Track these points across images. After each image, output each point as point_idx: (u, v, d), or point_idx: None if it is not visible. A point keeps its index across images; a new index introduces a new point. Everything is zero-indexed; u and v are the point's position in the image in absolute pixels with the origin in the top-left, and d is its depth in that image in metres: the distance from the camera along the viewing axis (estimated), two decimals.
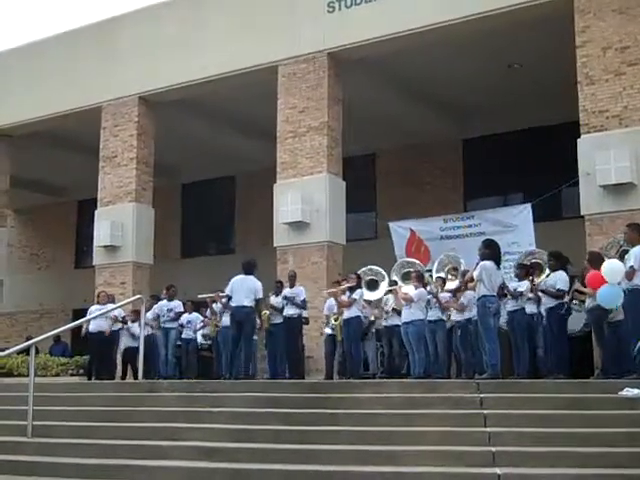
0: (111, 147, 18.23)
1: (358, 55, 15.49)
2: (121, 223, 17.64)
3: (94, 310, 14.62)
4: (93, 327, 14.63)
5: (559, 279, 10.80)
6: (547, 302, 10.86)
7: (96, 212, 18.29)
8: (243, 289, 12.13)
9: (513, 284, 11.70)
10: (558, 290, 10.72)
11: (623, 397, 8.10)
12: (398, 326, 12.79)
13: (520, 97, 16.99)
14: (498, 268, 10.59)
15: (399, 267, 14.27)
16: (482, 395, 8.47)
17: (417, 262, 14.52)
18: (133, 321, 15.24)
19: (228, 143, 20.16)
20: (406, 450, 7.33)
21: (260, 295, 12.21)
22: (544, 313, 11.07)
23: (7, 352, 11.58)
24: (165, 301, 15.06)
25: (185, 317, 15.38)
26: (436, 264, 14.10)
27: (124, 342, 15.24)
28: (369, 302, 13.56)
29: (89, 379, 15.12)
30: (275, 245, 15.56)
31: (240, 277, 12.27)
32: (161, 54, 17.64)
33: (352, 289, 12.71)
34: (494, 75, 16.46)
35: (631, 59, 12.59)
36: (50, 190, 25.04)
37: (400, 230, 16.15)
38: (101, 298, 15.09)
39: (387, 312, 13.30)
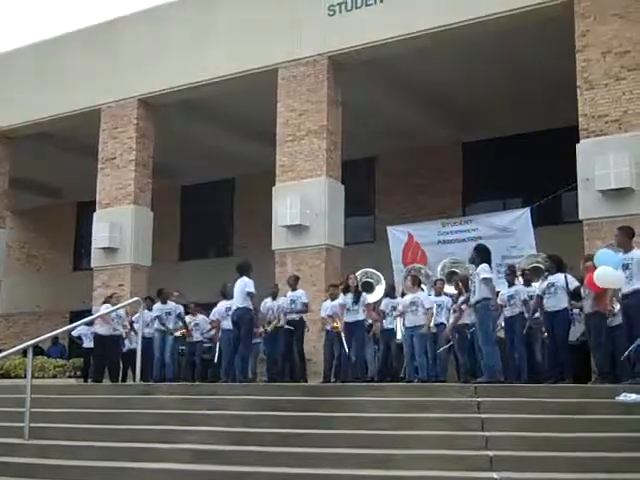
0: (110, 149, 18.23)
1: (358, 58, 15.48)
2: (120, 225, 17.62)
3: (104, 309, 14.48)
4: (103, 330, 14.50)
5: (571, 280, 10.74)
6: (553, 305, 10.79)
7: (95, 214, 18.29)
8: (238, 291, 12.25)
9: (504, 289, 11.69)
10: (576, 288, 10.61)
11: (621, 402, 8.08)
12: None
13: (520, 101, 17.00)
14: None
15: (441, 268, 14.23)
16: (479, 399, 8.45)
17: (420, 266, 14.58)
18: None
19: (227, 145, 20.16)
20: (404, 454, 7.32)
21: (249, 289, 12.16)
22: (543, 318, 11.05)
23: (2, 355, 11.59)
24: (159, 304, 14.94)
25: (192, 320, 15.35)
26: (440, 267, 14.16)
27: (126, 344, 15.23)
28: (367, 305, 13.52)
29: (85, 381, 15.10)
30: (274, 248, 15.55)
31: (238, 280, 12.35)
32: (161, 56, 17.64)
33: (353, 292, 12.72)
34: (493, 79, 16.47)
35: (631, 64, 12.60)
36: (49, 192, 25.03)
37: (398, 234, 16.12)
38: (115, 299, 14.87)
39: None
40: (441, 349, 12.41)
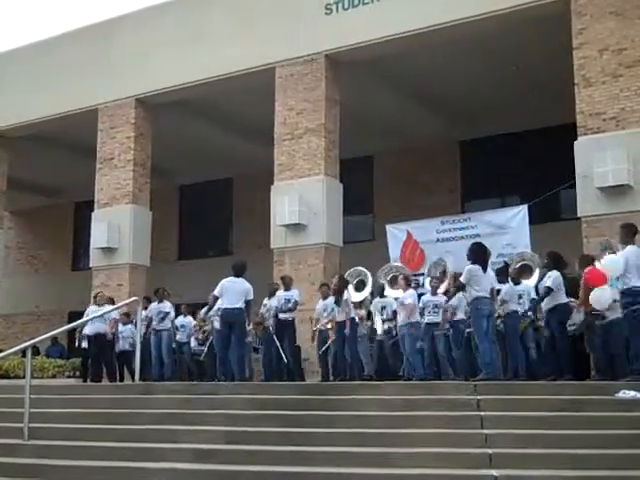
0: (108, 149, 18.22)
1: (355, 57, 15.48)
2: (118, 225, 17.62)
3: (91, 311, 14.53)
4: (90, 330, 14.50)
5: (550, 277, 10.78)
6: (547, 303, 10.82)
7: (93, 214, 18.30)
8: (234, 291, 12.07)
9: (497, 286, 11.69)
10: (547, 288, 10.67)
11: (620, 399, 8.09)
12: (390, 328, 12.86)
13: (517, 99, 17.00)
14: (484, 270, 10.57)
15: (385, 272, 14.27)
16: (479, 397, 8.45)
17: (401, 266, 14.59)
18: (124, 324, 15.20)
19: (225, 145, 20.16)
20: (403, 452, 7.32)
21: (251, 297, 12.14)
22: (543, 315, 11.06)
23: (4, 354, 11.58)
24: (156, 303, 14.97)
25: (179, 320, 15.35)
26: (427, 267, 14.18)
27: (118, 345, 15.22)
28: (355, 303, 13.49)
29: (84, 381, 15.08)
30: (272, 247, 15.55)
31: (230, 279, 12.20)
32: (158, 56, 17.64)
33: (339, 292, 12.72)
34: (491, 77, 16.48)
35: (628, 61, 12.63)
36: (47, 192, 24.99)
37: (397, 232, 16.10)
38: (99, 299, 14.94)
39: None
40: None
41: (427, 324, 12.38)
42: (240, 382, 11.54)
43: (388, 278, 14.04)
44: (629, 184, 12.20)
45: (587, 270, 10.03)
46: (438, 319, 12.31)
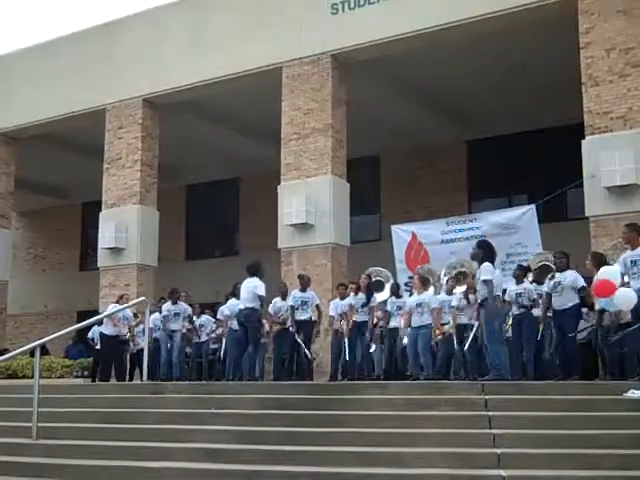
0: (115, 149, 18.25)
1: (362, 57, 15.49)
2: (125, 225, 17.66)
3: (110, 308, 14.44)
4: (110, 331, 14.49)
5: (578, 277, 10.67)
6: (561, 304, 10.77)
7: (101, 214, 18.34)
8: (246, 291, 12.21)
9: (512, 287, 11.64)
10: (581, 287, 10.53)
11: (628, 398, 8.08)
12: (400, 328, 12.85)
13: (524, 98, 16.98)
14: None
15: (450, 268, 14.10)
16: (487, 397, 8.44)
17: (428, 266, 14.51)
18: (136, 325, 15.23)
19: (232, 145, 20.18)
20: (411, 452, 7.31)
21: (259, 292, 12.08)
22: (551, 316, 11.03)
23: (9, 355, 11.60)
24: (169, 304, 14.91)
25: (197, 321, 15.37)
26: (445, 267, 14.10)
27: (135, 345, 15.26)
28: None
29: (93, 381, 15.11)
30: (279, 247, 15.56)
31: (246, 280, 12.32)
32: (165, 56, 17.67)
33: (364, 292, 12.69)
34: (498, 76, 16.45)
35: (635, 60, 12.61)
36: (55, 192, 25.07)
37: (402, 233, 16.02)
38: (123, 301, 14.76)
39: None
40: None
41: (442, 324, 12.36)
42: (248, 382, 11.57)
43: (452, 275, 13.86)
44: (637, 183, 12.19)
45: (594, 285, 9.94)
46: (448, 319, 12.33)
